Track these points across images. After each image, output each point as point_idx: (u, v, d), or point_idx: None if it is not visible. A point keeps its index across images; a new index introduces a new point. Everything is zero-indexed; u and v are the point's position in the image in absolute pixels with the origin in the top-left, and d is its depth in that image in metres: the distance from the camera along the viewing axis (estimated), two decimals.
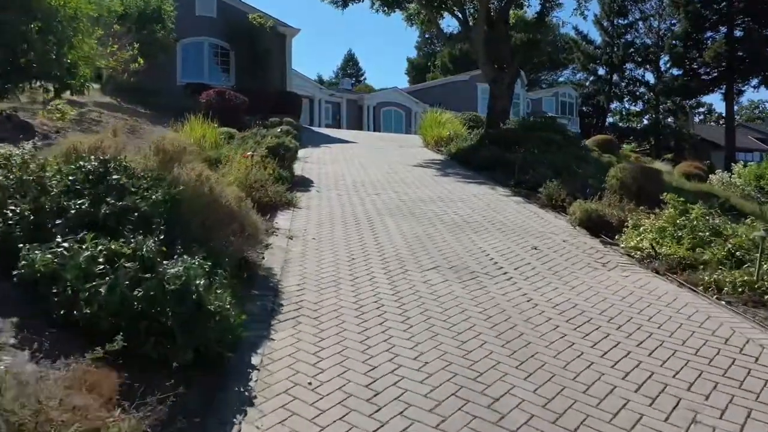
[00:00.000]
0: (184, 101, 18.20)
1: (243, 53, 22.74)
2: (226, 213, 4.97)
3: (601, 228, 7.71)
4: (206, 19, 22.71)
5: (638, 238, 6.78)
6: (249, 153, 9.14)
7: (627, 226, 7.29)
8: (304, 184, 10.68)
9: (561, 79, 72.03)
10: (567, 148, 14.48)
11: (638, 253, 6.58)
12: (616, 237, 7.31)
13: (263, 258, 5.89)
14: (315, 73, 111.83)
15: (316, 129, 24.04)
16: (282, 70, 23.91)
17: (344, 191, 10.19)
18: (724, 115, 69.64)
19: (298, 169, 12.34)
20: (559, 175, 10.65)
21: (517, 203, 9.46)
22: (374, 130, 38.75)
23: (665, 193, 7.30)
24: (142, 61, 13.89)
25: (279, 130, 14.56)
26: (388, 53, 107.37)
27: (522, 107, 47.03)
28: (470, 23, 19.59)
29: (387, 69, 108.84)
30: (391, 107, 40.33)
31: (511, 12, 20.42)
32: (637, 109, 60.17)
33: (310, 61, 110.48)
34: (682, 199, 7.19)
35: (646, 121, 61.58)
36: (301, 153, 15.66)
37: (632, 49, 56.21)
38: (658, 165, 30.61)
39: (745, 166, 27.14)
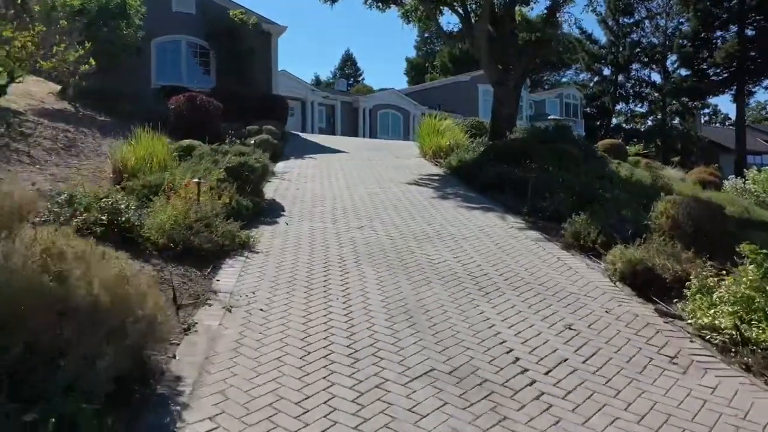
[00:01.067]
0: (156, 106, 16.34)
1: (224, 53, 20.82)
2: (88, 309, 3.06)
3: (649, 284, 5.81)
4: (184, 16, 20.78)
5: (712, 311, 4.87)
6: (195, 180, 7.21)
7: (688, 287, 5.38)
8: (273, 212, 8.77)
9: (563, 80, 70.22)
10: (587, 163, 12.57)
11: (716, 335, 4.67)
12: (675, 302, 5.39)
13: (173, 357, 3.99)
14: (312, 73, 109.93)
15: (304, 135, 22.14)
16: (267, 71, 21.99)
17: (320, 221, 8.28)
18: (730, 116, 67.92)
19: (271, 190, 10.45)
20: (582, 202, 8.75)
21: (535, 242, 7.52)
22: (370, 135, 36.88)
23: (743, 244, 5.36)
24: (93, 62, 11.97)
25: (252, 141, 12.68)
26: (388, 53, 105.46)
27: (525, 110, 45.13)
28: (473, 20, 17.71)
29: (386, 69, 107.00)
30: (388, 110, 38.44)
31: (516, 8, 18.56)
32: (643, 111, 58.33)
33: (308, 61, 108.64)
34: (765, 251, 5.27)
35: (650, 122, 59.78)
36: (280, 166, 13.81)
37: (638, 49, 54.29)
38: (671, 172, 28.72)
39: (759, 171, 25.48)
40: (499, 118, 17.52)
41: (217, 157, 9.12)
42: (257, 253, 6.60)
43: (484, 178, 11.61)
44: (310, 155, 16.25)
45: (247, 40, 20.80)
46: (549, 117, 47.13)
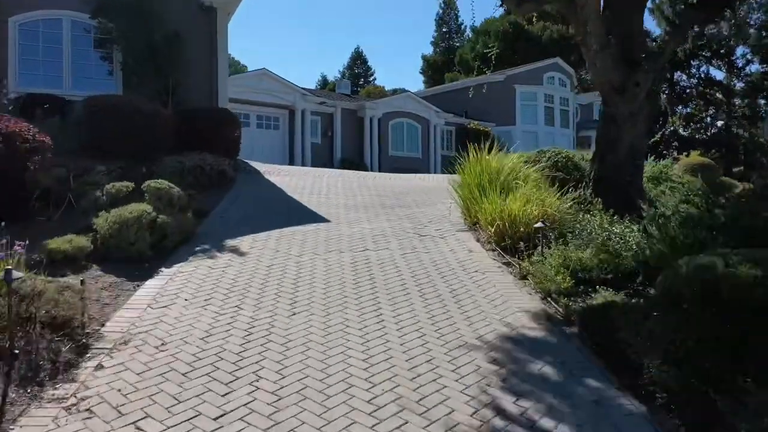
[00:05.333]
0: None
1: (136, 42, 12.67)
2: None
3: None
4: None
5: None
6: None
7: None
8: None
9: None
10: None
11: None
12: None
13: None
14: (319, 73, 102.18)
15: (269, 173, 13.79)
16: (208, 71, 13.80)
17: None
18: None
19: None
20: None
21: None
22: (379, 152, 28.66)
23: None
24: None
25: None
26: (401, 50, 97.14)
27: (571, 116, 36.65)
28: None
29: (400, 68, 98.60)
30: (402, 119, 30.13)
31: None
32: (702, 114, 49.41)
33: (314, 61, 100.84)
34: None
35: (693, 125, 50.87)
36: (146, 293, 5.61)
37: (700, 42, 45.45)
38: None
39: None
40: (616, 152, 9.26)
41: None
42: None
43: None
44: (249, 237, 8.01)
45: (173, 21, 12.67)
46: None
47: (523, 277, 6.73)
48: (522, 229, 7.70)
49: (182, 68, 12.97)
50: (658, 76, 9.72)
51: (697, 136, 49.48)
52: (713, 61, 46.72)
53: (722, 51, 45.23)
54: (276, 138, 26.38)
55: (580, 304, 5.59)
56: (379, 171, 27.04)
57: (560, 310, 5.69)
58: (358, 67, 71.87)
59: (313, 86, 63.01)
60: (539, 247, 7.12)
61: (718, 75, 47.18)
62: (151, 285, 6.04)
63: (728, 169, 40.21)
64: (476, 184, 9.44)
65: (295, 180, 13.10)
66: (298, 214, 9.75)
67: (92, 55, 13.13)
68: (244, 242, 7.82)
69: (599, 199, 8.91)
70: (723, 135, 46.54)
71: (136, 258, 6.68)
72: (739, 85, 45.62)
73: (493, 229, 8.05)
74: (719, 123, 47.66)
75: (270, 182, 12.58)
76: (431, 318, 5.41)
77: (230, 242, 7.76)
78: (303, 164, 25.71)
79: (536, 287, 6.31)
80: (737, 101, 46.63)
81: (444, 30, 66.53)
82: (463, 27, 65.82)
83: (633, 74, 8.91)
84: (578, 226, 7.50)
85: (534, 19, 30.69)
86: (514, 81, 33.28)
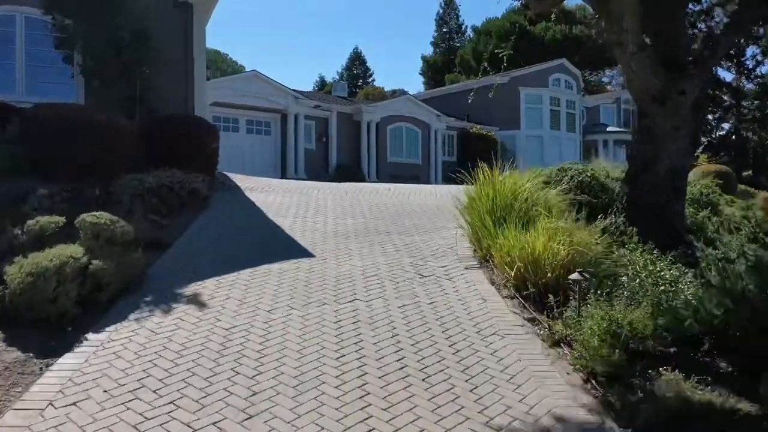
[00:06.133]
0: None
1: (97, 40, 11.19)
2: None
3: None
4: None
5: None
6: None
7: None
8: None
9: (604, 80, 60.46)
10: None
11: None
12: None
13: None
14: (317, 74, 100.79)
15: (248, 190, 12.27)
16: (184, 74, 12.31)
17: None
18: None
19: None
20: None
21: None
22: (377, 159, 27.22)
23: None
24: None
25: None
26: (400, 51, 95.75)
27: (578, 120, 35.17)
28: None
29: (399, 69, 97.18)
30: (401, 123, 28.67)
31: None
32: (711, 117, 48.01)
33: (312, 62, 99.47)
34: None
35: (702, 127, 49.46)
36: (57, 374, 4.02)
37: (710, 43, 44.04)
38: None
39: None
40: (651, 173, 7.83)
41: None
42: None
43: None
44: (212, 282, 6.52)
45: (137, 17, 11.19)
46: (607, 129, 37.11)
47: (555, 343, 5.26)
48: (549, 274, 6.21)
49: (153, 71, 11.49)
50: (706, 83, 8.27)
51: (704, 139, 48.14)
52: (722, 62, 45.27)
53: (732, 52, 43.79)
54: (267, 144, 24.94)
55: (642, 402, 4.10)
56: (377, 178, 25.62)
57: (615, 403, 4.21)
58: (357, 67, 70.41)
59: (311, 88, 61.62)
60: (572, 300, 5.64)
61: (727, 77, 45.77)
62: (65, 364, 4.54)
63: (738, 174, 38.94)
64: (487, 210, 7.98)
65: (279, 198, 11.60)
66: (277, 245, 8.25)
67: (51, 57, 11.64)
68: (204, 289, 6.33)
69: (634, 228, 7.47)
70: (731, 138, 45.28)
71: (58, 319, 5.20)
72: (748, 86, 44.30)
73: (512, 273, 6.56)
74: (726, 126, 46.29)
75: (251, 201, 11.08)
76: (438, 423, 3.92)
77: (186, 289, 6.27)
78: (296, 171, 24.31)
79: (575, 362, 4.83)
80: (746, 103, 45.31)
81: (444, 30, 65.09)
82: (463, 27, 64.52)
83: (677, 81, 7.45)
84: (621, 269, 6.02)
85: (552, 16, 29.09)
86: (518, 83, 31.81)
